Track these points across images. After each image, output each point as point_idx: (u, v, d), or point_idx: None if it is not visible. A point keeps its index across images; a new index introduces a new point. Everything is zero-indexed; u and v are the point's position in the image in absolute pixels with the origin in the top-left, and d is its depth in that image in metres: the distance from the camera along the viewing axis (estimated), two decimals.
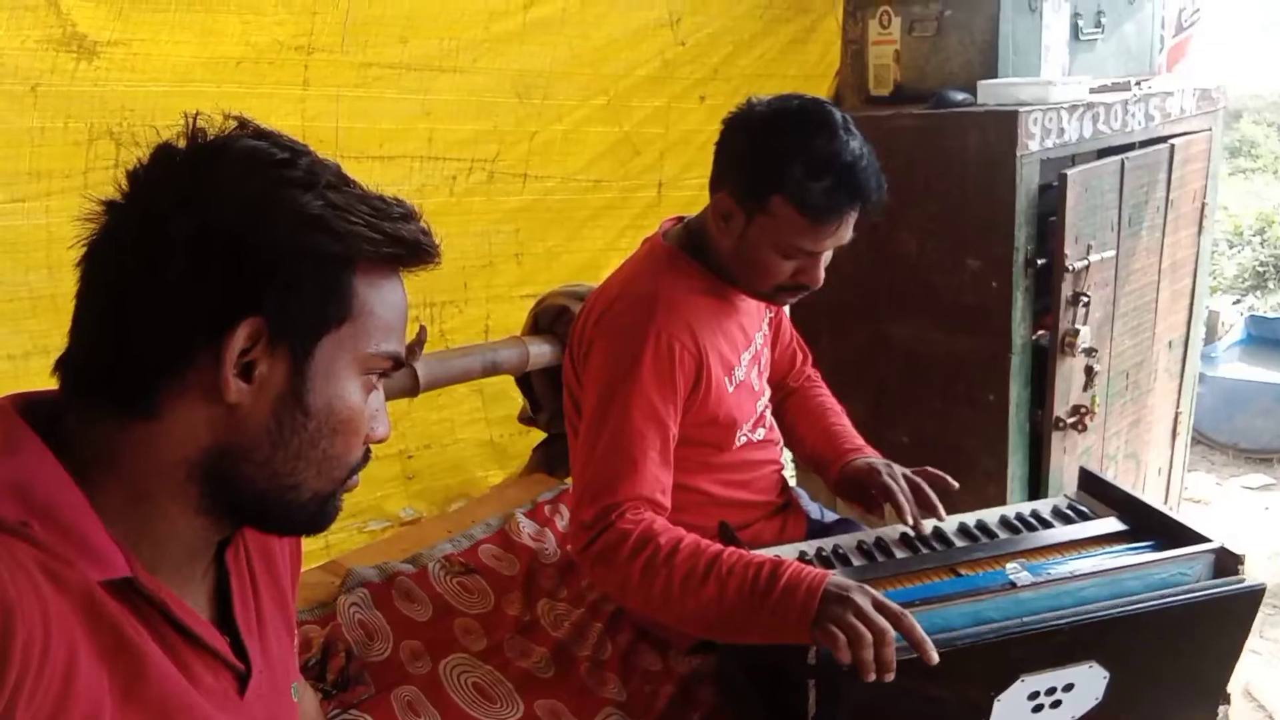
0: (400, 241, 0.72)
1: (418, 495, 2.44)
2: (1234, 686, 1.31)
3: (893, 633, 1.04)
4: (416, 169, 2.18)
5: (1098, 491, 1.48)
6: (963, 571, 1.30)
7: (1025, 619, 1.15)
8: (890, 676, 1.03)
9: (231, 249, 0.66)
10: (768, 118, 1.34)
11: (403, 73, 2.06)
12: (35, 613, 0.59)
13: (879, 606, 1.06)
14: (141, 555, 0.68)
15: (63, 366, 0.70)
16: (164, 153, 0.68)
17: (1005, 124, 1.99)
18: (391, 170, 2.14)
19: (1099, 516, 1.42)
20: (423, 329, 1.83)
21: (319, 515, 0.75)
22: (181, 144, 0.69)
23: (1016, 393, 2.11)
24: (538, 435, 2.29)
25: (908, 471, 1.47)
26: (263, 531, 0.79)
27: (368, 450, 0.77)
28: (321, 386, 0.70)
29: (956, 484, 1.46)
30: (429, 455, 2.45)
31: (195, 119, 0.69)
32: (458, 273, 2.35)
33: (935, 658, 1.04)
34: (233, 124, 0.70)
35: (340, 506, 0.77)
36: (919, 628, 1.05)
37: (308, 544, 2.27)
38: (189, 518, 0.70)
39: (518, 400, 2.38)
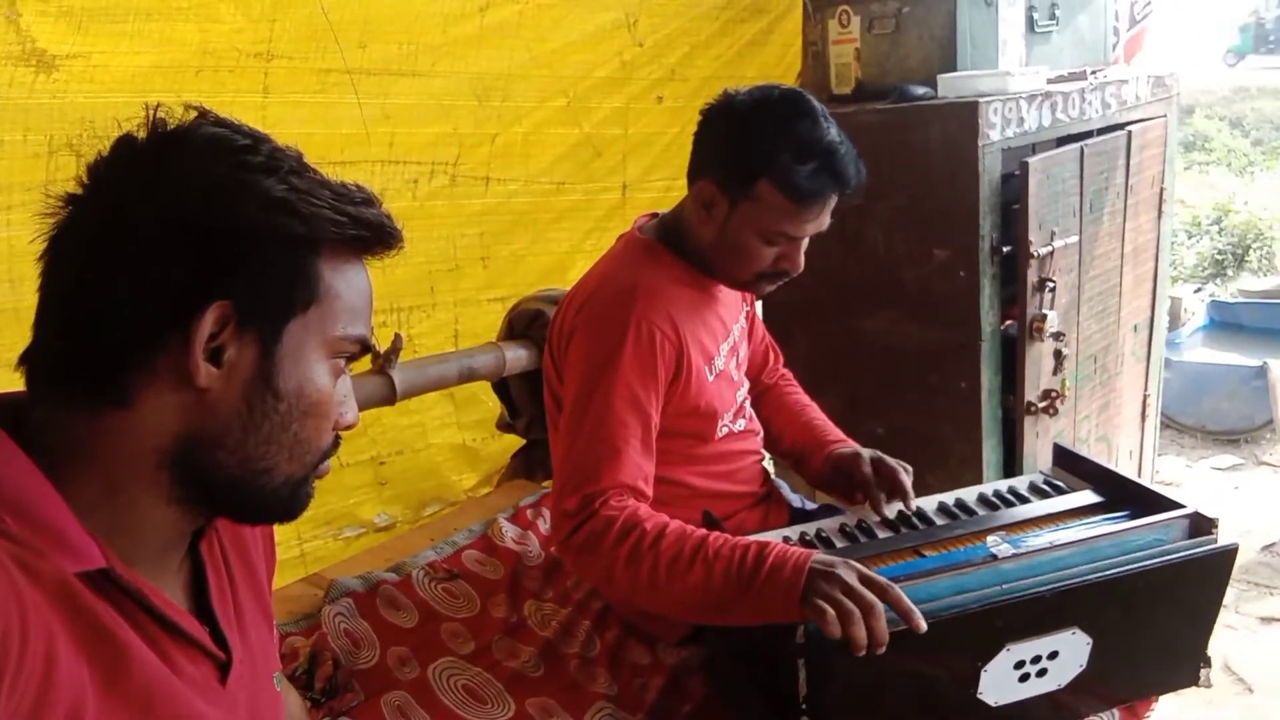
0: (364, 224, 0.72)
1: (391, 500, 2.43)
2: (1213, 660, 1.34)
3: (880, 605, 1.05)
4: (378, 173, 2.17)
5: (1072, 466, 1.50)
6: (944, 548, 1.31)
7: (1005, 586, 1.17)
8: (882, 649, 1.04)
9: (196, 234, 0.66)
10: (751, 106, 1.35)
11: (361, 77, 2.06)
12: (12, 604, 0.58)
13: (865, 580, 1.07)
14: (116, 547, 0.67)
15: (28, 360, 0.69)
16: (125, 143, 0.68)
17: (966, 115, 2.02)
18: (353, 175, 2.09)
19: (1074, 490, 1.44)
20: (398, 337, 1.82)
21: (292, 501, 0.75)
22: (142, 135, 0.68)
23: (988, 379, 2.14)
24: (511, 439, 2.28)
25: (885, 457, 1.48)
26: (237, 521, 0.78)
27: (337, 436, 0.77)
28: (291, 370, 0.70)
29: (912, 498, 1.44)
30: (401, 461, 2.44)
31: (155, 110, 0.69)
32: (424, 277, 2.35)
33: (923, 625, 1.04)
34: (193, 114, 0.70)
35: (312, 493, 0.77)
36: (906, 598, 1.05)
37: (283, 554, 2.23)
38: (162, 507, 0.70)
39: (489, 404, 2.37)
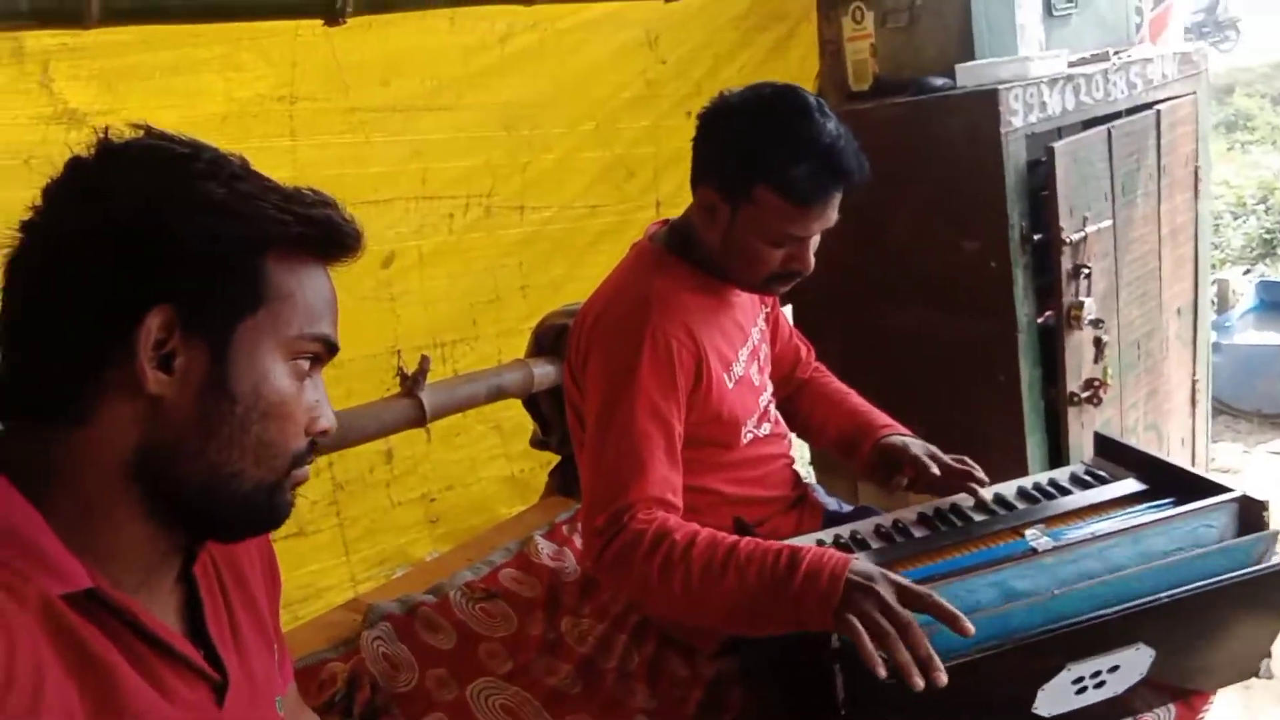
0: (311, 222, 0.72)
1: (442, 538, 2.43)
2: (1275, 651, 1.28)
3: (917, 622, 1.00)
4: (413, 210, 2.20)
5: (1114, 455, 1.45)
6: (982, 545, 1.27)
7: (1058, 591, 1.12)
8: (942, 678, 0.98)
9: (133, 242, 0.66)
10: (742, 108, 1.34)
11: (388, 115, 2.09)
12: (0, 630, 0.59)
13: (903, 595, 1.02)
14: (101, 569, 0.67)
15: None
16: (73, 164, 0.70)
17: (986, 103, 1.99)
18: (388, 214, 2.15)
19: (1117, 479, 1.39)
20: (425, 358, 1.83)
21: (269, 508, 0.74)
22: (90, 155, 0.70)
23: (1027, 371, 2.10)
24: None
25: (942, 455, 1.45)
26: (221, 538, 0.77)
27: (312, 442, 0.76)
28: (246, 372, 0.70)
29: (986, 480, 1.43)
30: (451, 496, 2.45)
31: (106, 131, 0.70)
32: (465, 310, 2.37)
33: (971, 629, 1.00)
34: (140, 133, 0.72)
35: (292, 500, 0.76)
36: (946, 603, 1.01)
37: (337, 595, 2.21)
38: (139, 524, 0.70)
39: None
